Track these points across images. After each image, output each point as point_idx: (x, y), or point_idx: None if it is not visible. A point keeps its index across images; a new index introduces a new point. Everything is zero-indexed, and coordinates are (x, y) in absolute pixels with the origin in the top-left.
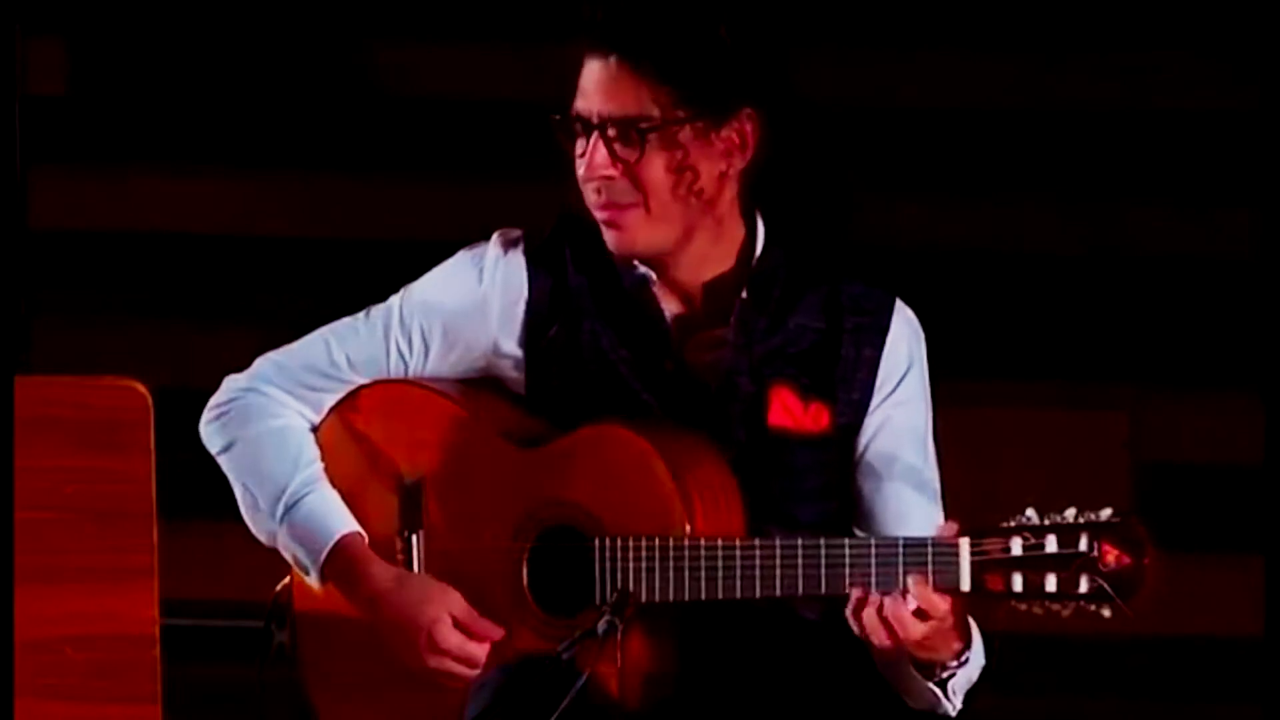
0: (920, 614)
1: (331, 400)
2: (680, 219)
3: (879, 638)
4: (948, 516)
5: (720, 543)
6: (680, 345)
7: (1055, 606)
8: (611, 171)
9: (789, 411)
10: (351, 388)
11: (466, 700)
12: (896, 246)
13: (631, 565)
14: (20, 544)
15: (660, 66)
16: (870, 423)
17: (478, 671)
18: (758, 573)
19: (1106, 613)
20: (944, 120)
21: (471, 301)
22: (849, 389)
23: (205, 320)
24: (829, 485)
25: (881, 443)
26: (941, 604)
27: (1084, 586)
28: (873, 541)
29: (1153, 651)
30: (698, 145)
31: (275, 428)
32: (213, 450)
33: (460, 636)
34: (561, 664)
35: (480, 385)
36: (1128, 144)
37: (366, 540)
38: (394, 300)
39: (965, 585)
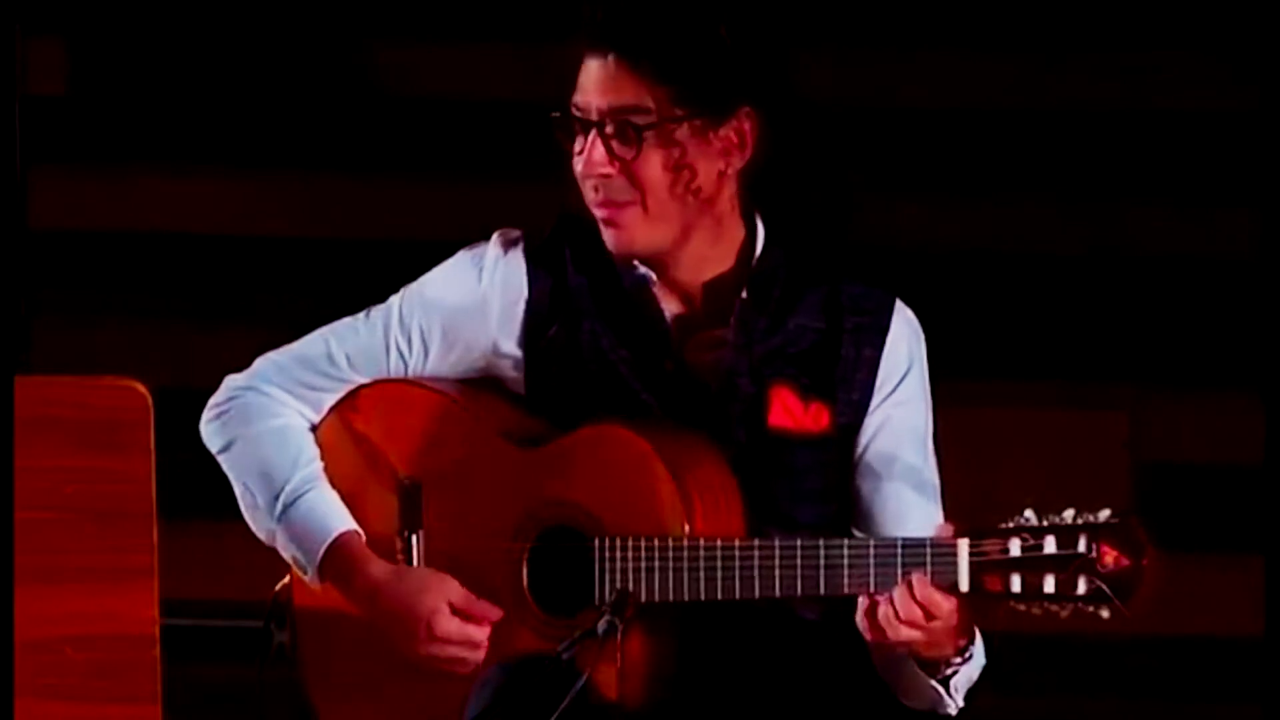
0: (924, 611)
1: (331, 400)
2: (678, 218)
3: (894, 632)
4: (947, 517)
5: (720, 543)
6: (680, 345)
7: (1054, 608)
8: (609, 169)
9: (789, 412)
10: (351, 387)
11: (466, 699)
12: (896, 246)
13: (631, 565)
14: (20, 544)
15: (658, 65)
16: (870, 423)
17: (481, 654)
18: (757, 573)
19: (1105, 614)
20: (944, 120)
21: (471, 301)
22: (849, 389)
23: (205, 320)
24: (829, 486)
25: (881, 443)
26: (945, 603)
27: (1082, 588)
28: (871, 542)
29: (1153, 651)
30: (695, 144)
31: (275, 427)
32: (213, 449)
33: (459, 622)
34: (561, 664)
35: (480, 385)
36: (1128, 144)
37: (364, 538)
38: (394, 300)
39: (964, 586)
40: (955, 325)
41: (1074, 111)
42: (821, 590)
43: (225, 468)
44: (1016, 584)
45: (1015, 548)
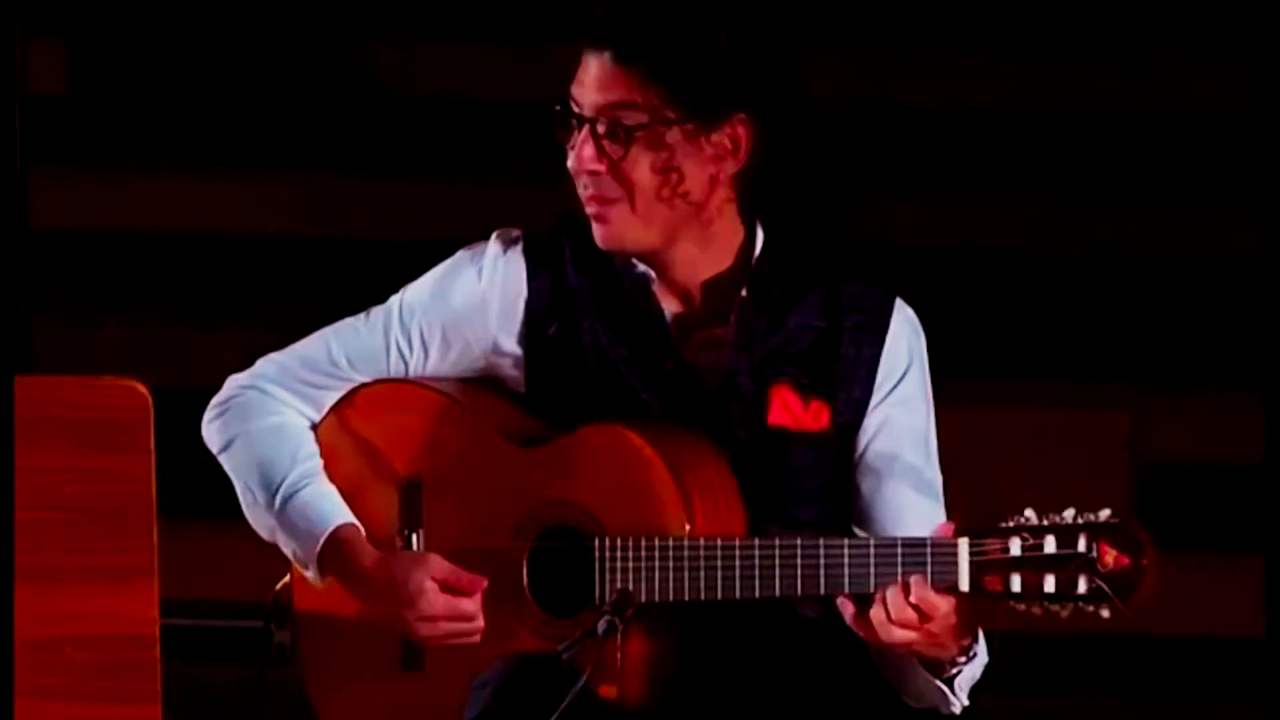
0: (919, 613)
1: (332, 399)
2: (664, 220)
3: (887, 634)
4: (947, 516)
5: (720, 543)
6: (680, 344)
7: (1054, 607)
8: (598, 167)
9: (789, 411)
10: (352, 387)
11: (466, 699)
12: (896, 246)
13: (631, 565)
14: (20, 544)
15: (653, 66)
16: (870, 422)
17: (479, 624)
18: (757, 573)
19: (1105, 613)
20: (944, 120)
21: (471, 300)
22: (849, 388)
23: (205, 320)
24: (829, 485)
25: (882, 442)
26: (942, 604)
27: (1082, 587)
28: (872, 541)
29: (1153, 651)
30: (686, 147)
31: (274, 424)
32: (214, 449)
33: (446, 598)
34: (561, 664)
35: (480, 385)
36: (1128, 144)
37: (363, 532)
38: (394, 300)
39: (964, 586)
40: (955, 325)
41: (1074, 111)
42: (822, 590)
43: (226, 467)
44: (1016, 584)
45: (1015, 547)
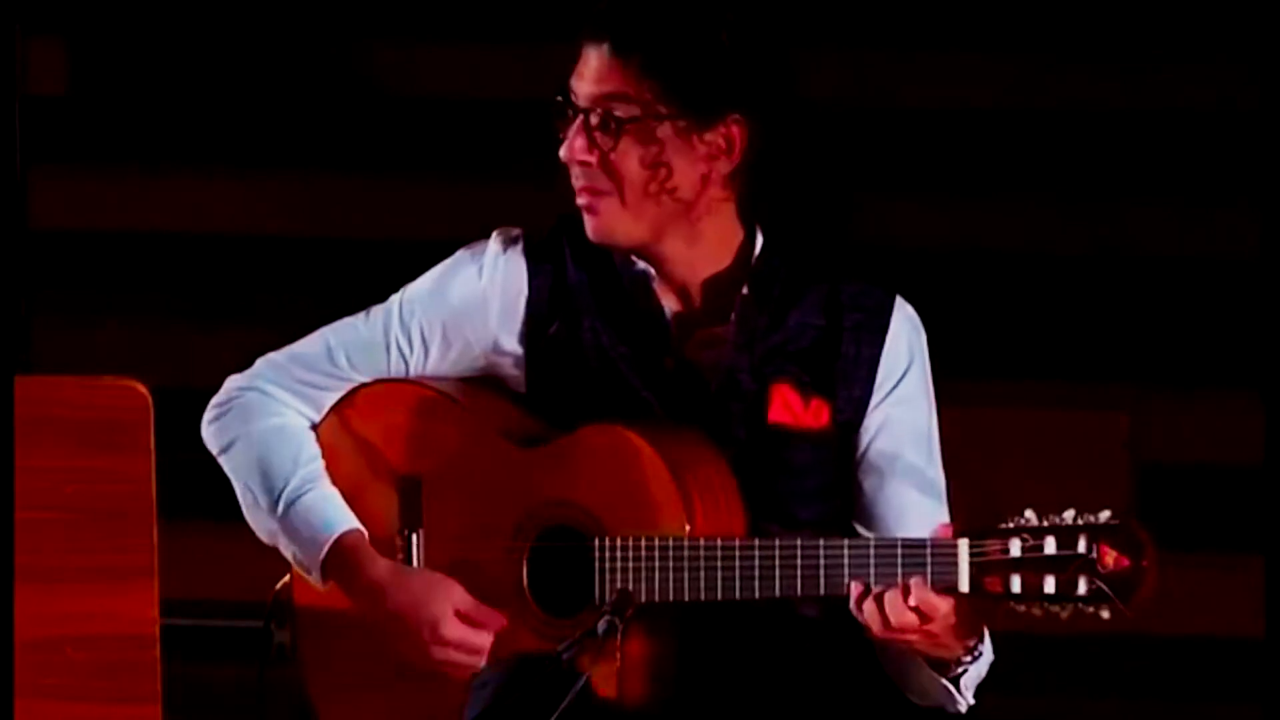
0: (919, 614)
1: (332, 399)
2: (651, 215)
3: (876, 627)
4: (949, 517)
5: (720, 543)
6: (680, 343)
7: (1054, 608)
8: (588, 158)
9: (789, 409)
10: (352, 386)
11: (467, 700)
12: (896, 246)
13: (631, 565)
14: (20, 544)
15: (649, 60)
16: (872, 421)
17: (482, 660)
18: (757, 573)
19: (1105, 614)
20: (944, 120)
21: (471, 299)
22: (849, 386)
23: (205, 320)
24: (829, 483)
25: (883, 442)
26: (942, 605)
27: (1082, 588)
28: (872, 541)
29: (1153, 651)
30: (676, 143)
31: (275, 426)
32: (214, 450)
33: (464, 629)
34: (561, 664)
35: (480, 384)
36: (1128, 144)
37: (367, 537)
38: (394, 299)
39: (964, 586)
40: (955, 325)
41: (1074, 111)
42: (822, 590)
43: (226, 468)
44: (1017, 584)
45: (1015, 548)
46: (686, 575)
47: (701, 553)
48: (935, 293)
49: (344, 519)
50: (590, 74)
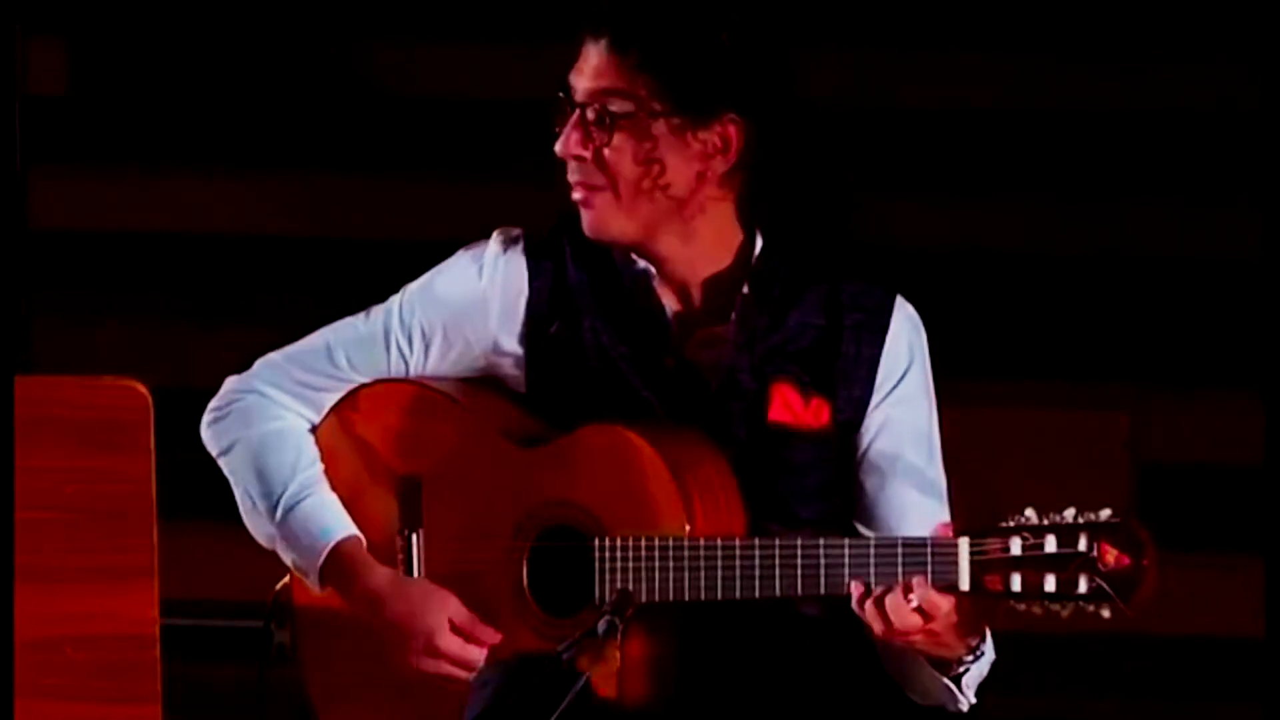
0: (921, 613)
1: (332, 400)
2: (644, 211)
3: (878, 627)
4: (950, 517)
5: (720, 542)
6: (680, 342)
7: (1054, 607)
8: (583, 152)
9: (789, 408)
10: (352, 387)
11: (467, 700)
12: (896, 246)
13: (631, 565)
14: (20, 544)
15: (646, 56)
16: (872, 421)
17: (474, 674)
18: (757, 573)
19: (1106, 613)
20: (944, 120)
21: (471, 299)
22: (850, 386)
23: (205, 320)
24: (830, 482)
25: (884, 442)
26: (943, 603)
27: (1083, 587)
28: (872, 541)
29: (1153, 651)
30: (671, 141)
31: (274, 429)
32: (213, 452)
33: (459, 642)
34: (561, 664)
35: (480, 384)
36: (1128, 144)
37: (365, 544)
38: (394, 300)
39: (964, 585)
40: (956, 325)
41: (1074, 111)
42: (822, 589)
43: (225, 471)
44: (1017, 583)
45: (1016, 546)
46: (686, 575)
47: (701, 552)
48: (935, 293)
49: (341, 525)
50: (588, 69)
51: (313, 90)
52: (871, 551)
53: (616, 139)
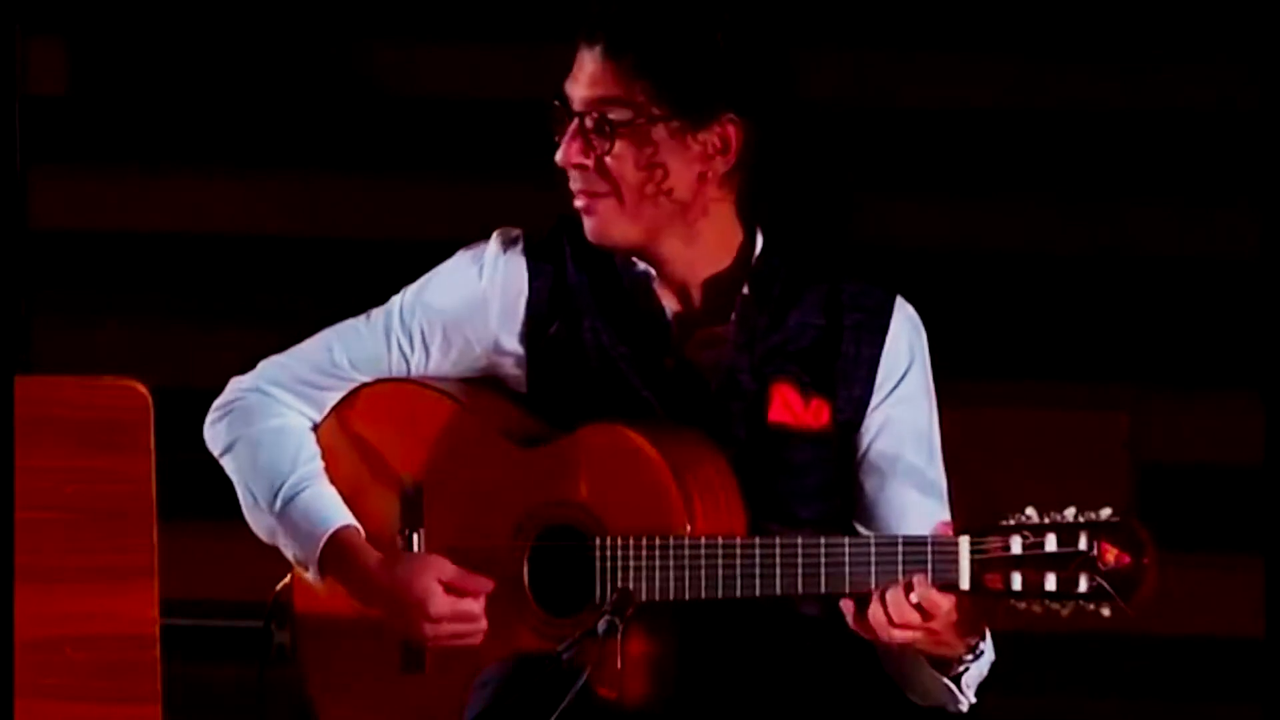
0: (921, 612)
1: (334, 399)
2: (648, 216)
3: (887, 634)
4: (950, 517)
5: (720, 542)
6: (680, 342)
7: (1055, 606)
8: (584, 161)
9: (789, 408)
10: (353, 387)
11: (467, 700)
12: (896, 246)
13: (632, 565)
14: (20, 544)
15: (642, 61)
16: (872, 421)
17: (482, 626)
18: (757, 572)
19: (1106, 612)
20: (944, 120)
21: (472, 299)
22: (850, 386)
23: (205, 320)
24: (830, 482)
25: (884, 442)
26: (944, 602)
27: (1083, 586)
28: (872, 540)
29: (1153, 651)
30: (671, 145)
31: (275, 426)
32: (215, 451)
33: (452, 599)
34: (561, 664)
35: (481, 384)
36: (1128, 144)
37: (363, 533)
38: (394, 300)
39: (965, 584)
40: (955, 325)
41: (1074, 111)
42: (822, 589)
43: (227, 469)
44: (1017, 582)
45: (1016, 545)
46: (687, 574)
47: (702, 552)
48: (935, 293)
49: (339, 515)
50: (584, 77)
51: (313, 90)
52: (872, 550)
53: (618, 146)
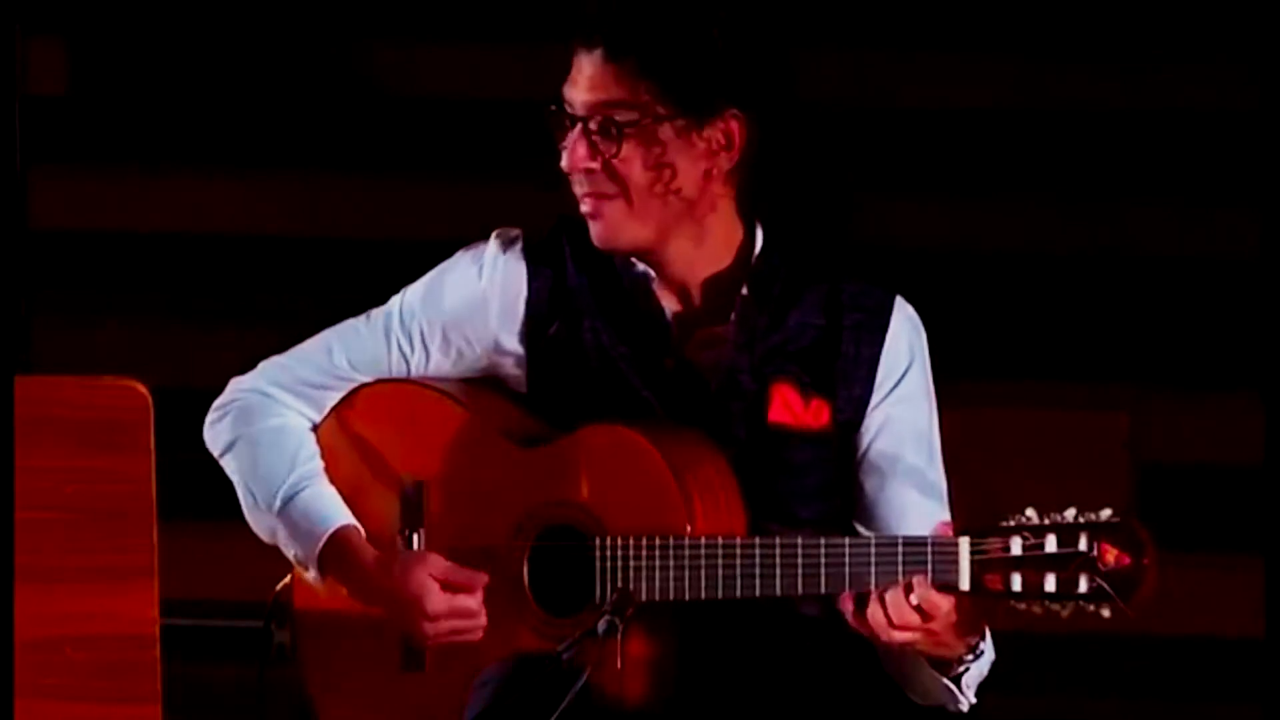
0: (921, 612)
1: (334, 399)
2: (657, 216)
3: (887, 635)
4: (950, 517)
5: (720, 542)
6: (680, 343)
7: (1054, 606)
8: (592, 164)
9: (789, 408)
10: (353, 387)
11: (467, 700)
12: (896, 246)
13: (632, 565)
14: (20, 544)
15: (643, 62)
16: (872, 421)
17: (481, 620)
18: (758, 572)
19: (1106, 613)
20: (944, 120)
21: (471, 299)
22: (849, 386)
23: (205, 320)
24: (830, 482)
25: (884, 442)
26: (944, 603)
27: (1083, 586)
28: (872, 540)
29: (1153, 651)
30: (678, 143)
31: (275, 426)
32: (215, 451)
33: (448, 596)
34: (561, 664)
35: (481, 384)
36: (1128, 144)
37: (363, 533)
38: (394, 301)
39: (965, 585)
40: (956, 325)
41: (1074, 111)
42: (822, 589)
43: (227, 469)
44: (1017, 583)
45: (1016, 546)
46: (687, 574)
47: (702, 552)
48: (935, 293)
49: (339, 514)
50: (585, 81)
51: (313, 90)
52: (872, 551)
53: (625, 148)
